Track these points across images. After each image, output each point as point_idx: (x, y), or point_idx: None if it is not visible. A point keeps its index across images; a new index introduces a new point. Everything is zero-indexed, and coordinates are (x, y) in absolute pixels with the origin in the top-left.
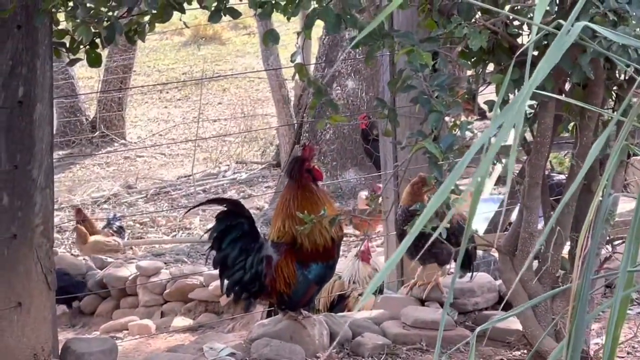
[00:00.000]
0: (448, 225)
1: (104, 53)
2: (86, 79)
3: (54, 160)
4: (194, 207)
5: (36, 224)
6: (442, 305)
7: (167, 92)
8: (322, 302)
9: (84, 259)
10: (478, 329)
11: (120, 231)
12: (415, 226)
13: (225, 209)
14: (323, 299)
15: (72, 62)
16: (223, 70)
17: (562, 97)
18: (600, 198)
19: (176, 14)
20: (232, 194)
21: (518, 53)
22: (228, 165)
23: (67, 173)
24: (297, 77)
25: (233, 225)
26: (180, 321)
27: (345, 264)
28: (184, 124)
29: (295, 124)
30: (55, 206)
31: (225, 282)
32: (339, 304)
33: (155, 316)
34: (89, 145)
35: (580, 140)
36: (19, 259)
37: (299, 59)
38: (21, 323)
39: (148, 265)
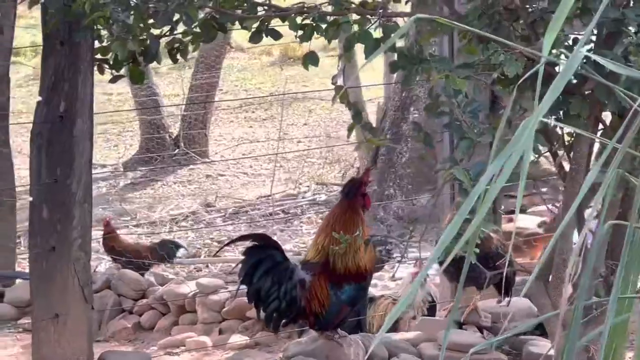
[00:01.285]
0: (476, 250)
1: (188, 72)
2: (172, 96)
3: (137, 175)
4: (225, 245)
5: (74, 237)
6: (479, 329)
7: (253, 112)
8: (375, 324)
9: (144, 274)
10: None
11: (164, 257)
12: (441, 246)
13: (253, 244)
14: (377, 321)
15: (115, 79)
16: (309, 92)
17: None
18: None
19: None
20: (310, 215)
21: (555, 81)
22: (308, 186)
23: (148, 189)
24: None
25: (263, 259)
26: (237, 339)
27: (402, 287)
28: (267, 141)
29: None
30: (134, 222)
31: (262, 313)
32: (393, 326)
33: (213, 333)
34: (171, 162)
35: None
36: (57, 271)
37: (340, 82)
38: (57, 334)
39: (208, 283)
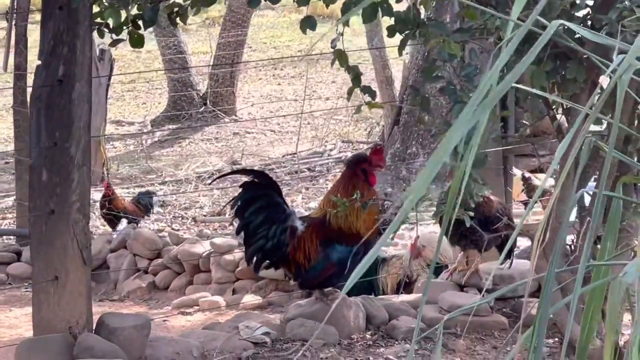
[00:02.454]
0: (470, 212)
1: (217, 30)
2: (201, 54)
3: (164, 133)
4: (218, 177)
5: (73, 200)
6: (480, 291)
7: (282, 70)
8: (389, 284)
9: (160, 235)
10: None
11: (148, 207)
12: (435, 213)
13: (251, 179)
14: (390, 281)
15: (114, 43)
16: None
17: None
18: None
19: None
20: (336, 172)
21: (551, 44)
22: (334, 144)
23: (175, 147)
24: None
25: (259, 196)
26: (250, 298)
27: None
28: (295, 99)
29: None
30: (159, 180)
31: (248, 250)
32: (406, 287)
33: (227, 293)
34: (199, 120)
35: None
36: (57, 234)
37: (339, 45)
38: (57, 297)
39: (222, 243)
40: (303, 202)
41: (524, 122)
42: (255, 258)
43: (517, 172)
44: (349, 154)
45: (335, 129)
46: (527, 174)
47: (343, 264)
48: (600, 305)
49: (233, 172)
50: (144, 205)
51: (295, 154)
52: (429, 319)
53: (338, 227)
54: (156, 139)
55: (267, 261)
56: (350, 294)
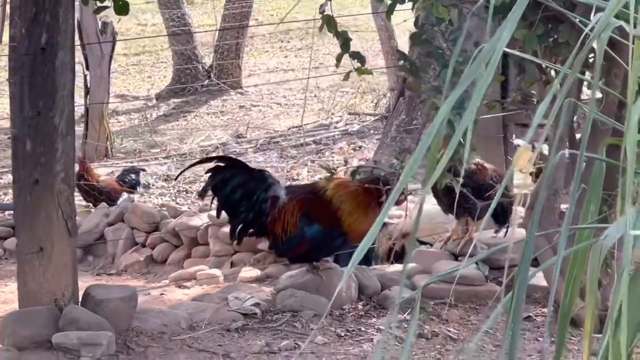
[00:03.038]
0: (459, 179)
1: (222, 3)
2: (206, 26)
3: (169, 107)
4: (184, 170)
5: (57, 170)
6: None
7: (289, 42)
8: (381, 253)
9: (157, 208)
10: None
11: (134, 185)
12: (427, 182)
13: (217, 164)
14: (383, 250)
15: (98, 10)
16: (346, 20)
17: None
18: None
19: None
20: (342, 145)
21: (542, 7)
22: (340, 116)
23: (180, 121)
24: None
25: (229, 177)
26: (248, 271)
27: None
28: (302, 71)
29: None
30: (163, 154)
31: (232, 227)
32: (399, 257)
33: (225, 266)
34: (204, 93)
35: (605, 98)
36: (41, 204)
37: (327, 10)
38: (43, 268)
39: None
40: (309, 176)
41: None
42: (237, 230)
43: (519, 142)
44: (356, 127)
45: (342, 101)
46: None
47: (317, 244)
48: (583, 269)
49: (199, 162)
50: (129, 183)
51: (301, 126)
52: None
53: (321, 205)
54: (161, 113)
55: (249, 231)
56: (343, 264)
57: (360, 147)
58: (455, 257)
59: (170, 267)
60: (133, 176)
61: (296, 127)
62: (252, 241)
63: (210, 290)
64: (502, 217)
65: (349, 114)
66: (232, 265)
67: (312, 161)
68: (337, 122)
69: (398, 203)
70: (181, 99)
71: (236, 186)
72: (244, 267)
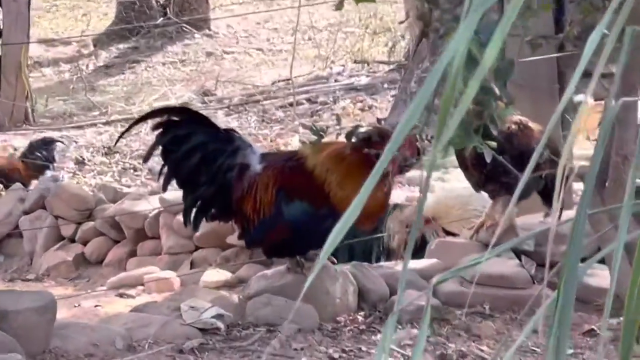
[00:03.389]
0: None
1: None
2: None
3: (111, 55)
4: (130, 127)
5: None
6: (517, 254)
7: None
8: (397, 242)
9: (92, 190)
10: None
11: (46, 163)
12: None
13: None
14: (397, 229)
15: None
16: None
17: None
18: None
19: None
20: (346, 104)
21: None
22: (343, 65)
23: (127, 74)
24: None
25: (184, 136)
26: (215, 274)
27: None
28: (291, 7)
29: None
30: (103, 119)
31: (186, 206)
32: (417, 251)
33: (184, 267)
34: (159, 36)
35: None
36: None
37: None
38: None
39: (175, 199)
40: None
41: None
42: (194, 210)
43: (580, 97)
44: (363, 80)
45: (345, 45)
46: None
47: (300, 228)
48: None
49: (146, 118)
50: (34, 163)
51: (289, 79)
52: (446, 294)
53: (305, 176)
54: (100, 64)
55: (209, 213)
56: (337, 260)
57: (370, 106)
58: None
59: (108, 270)
60: (44, 151)
61: (283, 80)
62: (217, 232)
63: (163, 301)
64: (554, 195)
65: (355, 62)
66: (193, 265)
67: (306, 126)
68: (338, 74)
69: (399, 171)
70: (128, 45)
71: (193, 148)
72: (208, 268)
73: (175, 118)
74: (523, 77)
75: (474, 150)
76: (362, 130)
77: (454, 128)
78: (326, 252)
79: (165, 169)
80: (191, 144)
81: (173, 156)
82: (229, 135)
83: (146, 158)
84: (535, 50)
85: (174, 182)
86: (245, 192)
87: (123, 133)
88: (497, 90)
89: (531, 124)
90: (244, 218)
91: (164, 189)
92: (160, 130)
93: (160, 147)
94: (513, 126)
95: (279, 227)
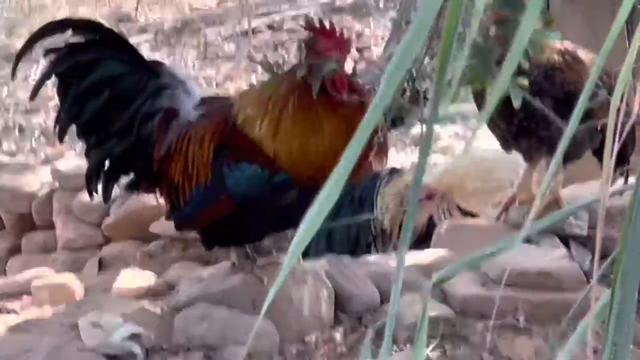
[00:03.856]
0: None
1: None
2: None
3: None
4: (23, 53)
5: None
6: (564, 240)
7: None
8: (389, 224)
9: None
10: None
11: None
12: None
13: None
14: (390, 218)
15: None
16: None
17: None
18: None
19: None
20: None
21: None
22: None
23: None
24: None
25: (90, 62)
26: (133, 277)
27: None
28: None
29: None
30: None
31: (90, 166)
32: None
33: (89, 268)
34: None
35: None
36: None
37: None
38: None
39: (75, 170)
40: None
41: None
42: (100, 174)
43: None
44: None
45: None
46: None
47: (250, 201)
48: None
49: (34, 39)
50: None
51: None
52: (462, 299)
53: (247, 130)
54: None
55: (121, 178)
56: (305, 252)
57: (359, 34)
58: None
59: None
60: None
61: None
62: (137, 216)
63: (56, 316)
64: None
65: None
66: (102, 265)
67: (255, 61)
68: None
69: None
70: None
71: (100, 81)
72: (123, 268)
73: (78, 37)
74: None
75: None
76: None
77: (465, 59)
78: (297, 244)
79: (62, 111)
80: (98, 75)
81: (72, 91)
82: (153, 66)
83: (33, 94)
84: None
85: (73, 131)
86: (172, 149)
87: (14, 69)
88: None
89: (582, 54)
90: (171, 186)
91: (60, 139)
92: (56, 54)
93: (55, 78)
94: (555, 56)
95: (221, 198)
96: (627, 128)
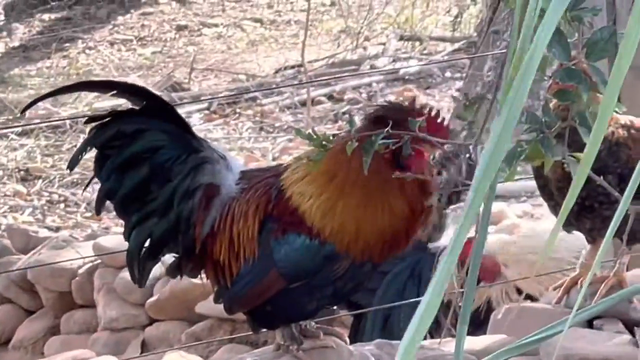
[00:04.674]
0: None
1: None
2: None
3: (33, 32)
4: (37, 101)
5: None
6: (629, 326)
7: None
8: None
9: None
10: None
11: None
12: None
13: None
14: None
15: None
16: None
17: None
18: None
19: None
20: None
21: None
22: (384, 44)
23: (55, 59)
24: None
25: (129, 134)
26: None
27: None
28: None
29: None
30: (18, 128)
31: (130, 247)
32: (481, 323)
33: (131, 349)
34: (104, 2)
35: None
36: None
37: None
38: None
39: (117, 247)
40: None
41: None
42: (138, 252)
43: None
44: (415, 65)
45: (387, 12)
46: None
47: (300, 273)
48: None
49: (71, 88)
50: None
51: (301, 66)
52: None
53: (297, 201)
54: (16, 44)
55: (159, 255)
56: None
57: (424, 105)
58: (589, 320)
59: (16, 355)
60: None
61: (292, 67)
62: (182, 295)
63: None
64: None
65: (402, 39)
66: (145, 347)
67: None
68: (376, 57)
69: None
70: (56, 15)
71: (139, 154)
72: (167, 351)
73: (120, 99)
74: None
75: (560, 167)
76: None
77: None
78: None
79: (99, 183)
80: (137, 147)
81: (109, 164)
82: (196, 141)
83: (72, 165)
84: None
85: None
86: (216, 227)
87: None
88: (591, 75)
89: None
90: (217, 267)
91: (97, 212)
92: (97, 123)
93: (94, 148)
94: (620, 130)
95: (270, 273)
96: None
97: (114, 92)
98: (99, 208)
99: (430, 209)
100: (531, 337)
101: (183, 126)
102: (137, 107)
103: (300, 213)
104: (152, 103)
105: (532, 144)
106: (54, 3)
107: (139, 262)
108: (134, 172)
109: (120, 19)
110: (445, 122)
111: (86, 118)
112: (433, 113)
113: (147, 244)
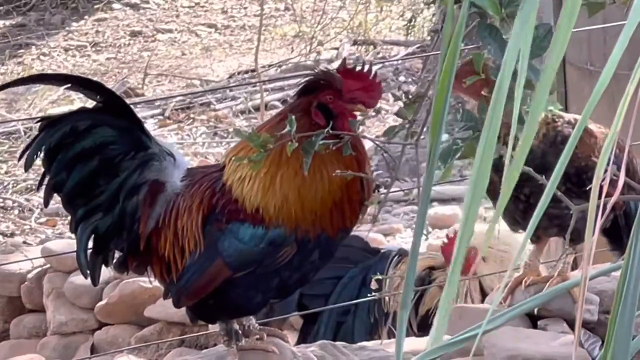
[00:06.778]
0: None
1: None
2: None
3: None
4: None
5: None
6: (571, 325)
7: None
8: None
9: None
10: None
11: None
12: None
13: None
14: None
15: None
16: None
17: None
18: None
19: None
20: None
21: None
22: (337, 48)
23: (9, 66)
24: None
25: (81, 131)
26: None
27: None
28: None
29: None
30: None
31: (78, 242)
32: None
33: (81, 353)
34: (58, 8)
35: None
36: None
37: None
38: None
39: (65, 249)
40: None
41: None
42: (85, 251)
43: None
44: (370, 66)
45: (340, 17)
46: None
47: (245, 263)
48: None
49: (25, 80)
50: None
51: (255, 71)
52: None
53: (239, 192)
54: None
55: (110, 255)
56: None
57: (377, 110)
58: (532, 319)
59: None
60: None
61: (246, 72)
62: (131, 298)
63: None
64: (626, 233)
65: (355, 43)
66: (95, 351)
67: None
68: (330, 61)
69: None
70: (9, 21)
71: (91, 148)
72: (118, 354)
73: (75, 92)
74: (592, 59)
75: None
76: None
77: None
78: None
79: (48, 177)
80: (88, 142)
81: (60, 157)
82: (143, 136)
83: (27, 164)
84: (594, 13)
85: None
86: (161, 223)
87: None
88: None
89: (594, 127)
90: (162, 262)
91: (45, 204)
92: (50, 121)
93: (49, 146)
94: (565, 128)
95: (215, 263)
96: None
97: (68, 85)
98: (47, 200)
99: (370, 181)
100: (464, 333)
101: (135, 122)
102: (90, 106)
103: (241, 200)
104: (104, 96)
105: (467, 142)
106: (4, 7)
107: (86, 258)
108: (82, 166)
109: (74, 25)
110: (377, 79)
111: (39, 120)
112: (365, 69)
113: (92, 239)
